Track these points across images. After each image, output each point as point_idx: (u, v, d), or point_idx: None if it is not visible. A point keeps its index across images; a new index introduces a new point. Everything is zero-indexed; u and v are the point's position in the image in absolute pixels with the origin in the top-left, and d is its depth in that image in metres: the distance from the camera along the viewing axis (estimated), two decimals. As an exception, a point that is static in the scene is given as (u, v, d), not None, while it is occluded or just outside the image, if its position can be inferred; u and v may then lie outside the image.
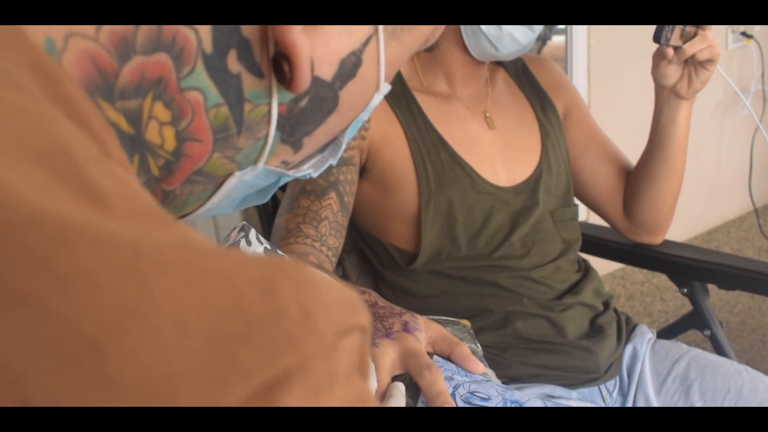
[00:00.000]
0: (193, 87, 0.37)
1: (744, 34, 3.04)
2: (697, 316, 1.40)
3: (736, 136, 3.21)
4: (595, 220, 1.48)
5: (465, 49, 1.20)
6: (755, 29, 3.06)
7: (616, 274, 2.94)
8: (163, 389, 0.20)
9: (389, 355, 0.71)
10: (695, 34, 1.11)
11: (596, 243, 1.47)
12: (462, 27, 1.18)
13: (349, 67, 0.42)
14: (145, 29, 0.35)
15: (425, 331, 0.76)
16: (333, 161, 0.49)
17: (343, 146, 0.49)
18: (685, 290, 1.39)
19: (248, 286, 0.23)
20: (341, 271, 1.33)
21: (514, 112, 1.29)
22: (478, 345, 0.86)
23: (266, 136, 0.41)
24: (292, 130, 0.43)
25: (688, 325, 1.44)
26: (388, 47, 0.44)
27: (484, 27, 1.14)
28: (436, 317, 0.86)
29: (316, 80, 0.40)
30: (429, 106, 1.22)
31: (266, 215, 1.29)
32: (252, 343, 0.22)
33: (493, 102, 1.28)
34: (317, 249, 1.07)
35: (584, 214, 2.39)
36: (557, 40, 3.54)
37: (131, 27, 0.34)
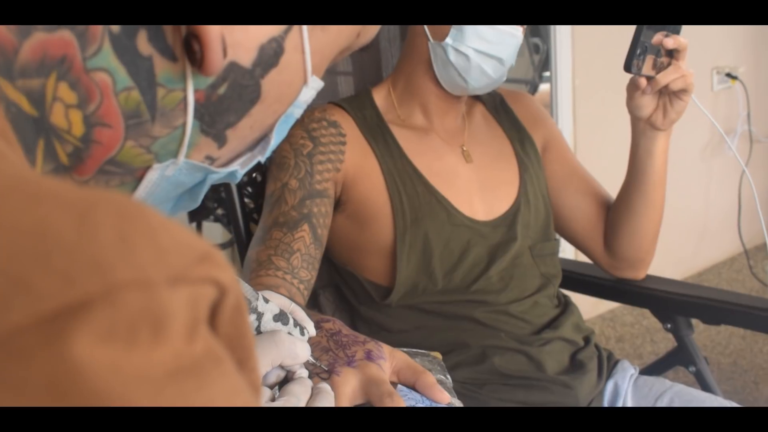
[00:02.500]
0: (100, 68, 0.35)
1: (729, 75, 3.06)
2: (682, 352, 1.38)
3: (725, 177, 3.22)
4: (583, 257, 1.47)
5: (438, 83, 1.20)
6: (740, 70, 3.09)
7: (606, 316, 2.91)
8: None
9: (350, 383, 0.69)
10: (669, 64, 1.11)
11: (579, 279, 1.45)
12: (433, 59, 1.17)
13: (270, 54, 0.40)
14: None
15: (390, 359, 0.74)
16: (262, 158, 0.47)
17: (273, 143, 0.46)
18: (669, 326, 1.37)
19: (60, 210, 0.21)
20: (317, 307, 1.30)
21: (492, 146, 1.28)
22: (449, 377, 0.84)
23: (183, 124, 0.39)
24: (212, 120, 0.40)
25: (673, 362, 1.41)
26: (313, 36, 0.42)
27: (452, 58, 1.14)
28: (406, 349, 0.84)
29: (234, 66, 0.39)
30: (405, 139, 1.21)
31: (240, 247, 1.27)
32: (49, 266, 0.20)
33: (470, 136, 1.27)
34: (288, 282, 1.05)
35: (572, 252, 2.38)
36: (543, 87, 3.58)
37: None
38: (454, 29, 1.14)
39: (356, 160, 1.17)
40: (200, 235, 0.25)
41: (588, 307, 1.34)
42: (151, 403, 0.21)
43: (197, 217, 2.69)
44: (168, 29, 0.36)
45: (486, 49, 1.13)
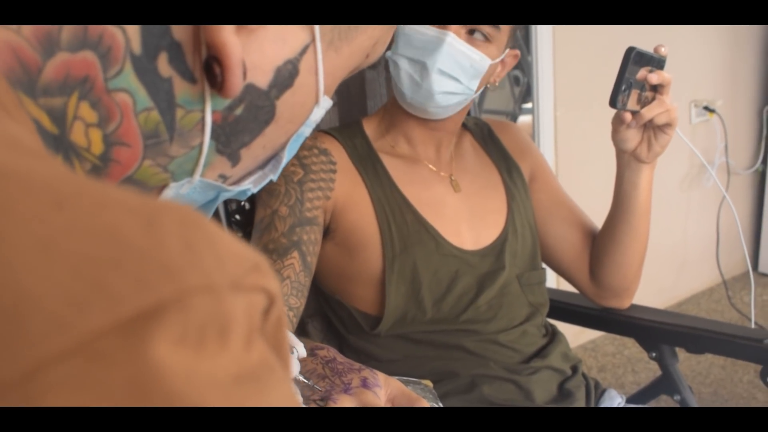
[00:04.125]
0: (121, 88, 0.36)
1: (707, 108, 3.12)
2: (667, 380, 1.39)
3: (703, 208, 3.26)
4: (565, 286, 1.48)
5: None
6: (718, 104, 3.15)
7: (587, 346, 2.92)
8: (11, 303, 0.19)
9: None
10: (653, 99, 1.13)
11: (564, 308, 1.46)
12: (394, 82, 1.18)
13: (286, 76, 0.41)
14: (71, 26, 0.34)
15: (384, 387, 0.75)
16: (273, 177, 0.47)
17: (284, 161, 0.47)
18: (654, 354, 1.38)
19: (127, 216, 0.22)
20: (305, 334, 1.30)
21: (480, 175, 1.30)
22: (441, 405, 0.84)
23: (200, 144, 0.40)
24: (228, 140, 0.41)
25: (658, 391, 1.42)
26: (327, 58, 0.43)
27: (392, 70, 1.15)
28: (397, 377, 0.85)
29: (251, 87, 0.40)
30: (395, 167, 1.22)
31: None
32: (123, 270, 0.20)
33: (458, 165, 1.28)
34: (278, 309, 1.05)
35: (554, 279, 2.39)
36: (527, 118, 3.62)
37: None
38: (393, 40, 1.14)
39: (346, 188, 1.18)
40: (250, 247, 0.26)
41: (570, 336, 1.35)
42: (222, 406, 0.22)
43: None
44: (188, 52, 0.37)
45: (412, 55, 1.12)
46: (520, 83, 3.68)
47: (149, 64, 0.36)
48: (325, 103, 0.45)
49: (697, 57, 3.06)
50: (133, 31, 0.36)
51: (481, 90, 1.20)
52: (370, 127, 1.26)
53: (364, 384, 0.72)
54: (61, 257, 0.20)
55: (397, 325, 1.17)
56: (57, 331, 0.19)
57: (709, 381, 2.62)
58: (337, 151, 1.20)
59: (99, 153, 0.37)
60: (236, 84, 0.37)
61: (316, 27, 0.41)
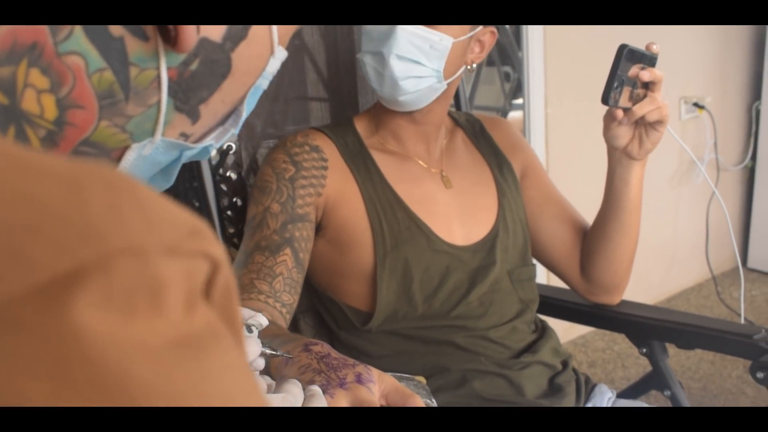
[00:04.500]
0: (72, 51, 0.36)
1: (696, 104, 3.13)
2: (657, 376, 1.40)
3: (692, 205, 3.28)
4: (555, 281, 1.49)
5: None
6: (707, 100, 3.16)
7: (578, 342, 2.93)
8: None
9: (342, 405, 0.70)
10: (644, 96, 1.13)
11: (554, 304, 1.47)
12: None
13: (239, 28, 0.41)
14: None
15: (378, 383, 0.75)
16: (235, 131, 0.47)
17: (244, 115, 0.47)
18: (644, 350, 1.39)
19: (49, 181, 0.22)
20: (297, 331, 1.30)
21: (471, 171, 1.30)
22: (434, 401, 0.85)
23: (158, 103, 0.40)
24: (186, 96, 0.41)
25: (649, 386, 1.43)
26: None
27: (363, 69, 1.15)
28: (391, 374, 0.85)
29: (205, 41, 0.39)
30: (386, 164, 1.22)
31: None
32: (42, 236, 0.20)
33: (449, 161, 1.29)
34: (271, 305, 1.05)
35: (545, 275, 2.40)
36: (517, 113, 3.63)
37: None
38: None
39: (337, 185, 1.18)
40: (190, 212, 0.25)
41: (560, 332, 1.35)
42: (151, 373, 0.21)
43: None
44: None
45: (371, 48, 1.13)
46: (510, 79, 3.69)
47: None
48: (281, 53, 0.45)
49: (686, 54, 3.07)
50: None
51: (460, 74, 1.19)
52: (361, 125, 1.26)
53: (359, 379, 0.73)
54: None
55: (388, 321, 1.17)
56: None
57: (698, 376, 2.64)
58: (328, 148, 1.20)
59: (53, 118, 0.37)
60: (190, 38, 0.37)
61: None
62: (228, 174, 1.30)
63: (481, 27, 1.17)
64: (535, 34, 2.60)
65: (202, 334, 0.23)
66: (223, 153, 1.29)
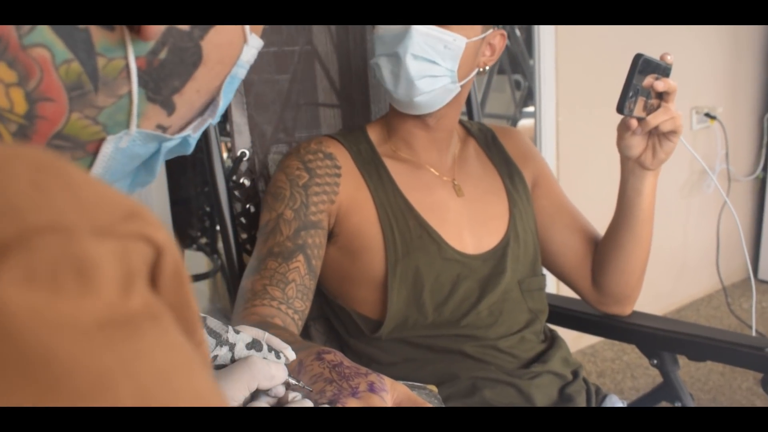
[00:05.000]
0: (37, 43, 0.36)
1: (708, 115, 3.12)
2: (668, 387, 1.39)
3: (703, 215, 3.27)
4: (566, 291, 1.48)
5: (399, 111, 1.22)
6: (718, 110, 3.15)
7: (587, 351, 2.92)
8: None
9: None
10: (658, 106, 1.13)
11: (565, 314, 1.47)
12: (382, 86, 1.19)
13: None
14: None
15: (391, 391, 0.75)
16: (213, 121, 0.47)
17: (222, 105, 0.46)
18: (655, 361, 1.38)
19: None
20: (308, 337, 1.31)
21: (483, 180, 1.30)
22: (445, 410, 0.85)
23: (129, 93, 0.40)
24: (157, 86, 0.41)
25: (659, 397, 1.43)
26: None
27: (377, 73, 1.16)
28: (403, 382, 0.85)
29: (172, 29, 0.39)
30: (398, 172, 1.22)
31: (233, 279, 1.27)
32: None
33: (461, 170, 1.29)
34: (283, 312, 1.05)
35: (555, 285, 2.40)
36: (527, 122, 3.63)
37: None
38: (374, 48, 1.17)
39: (350, 192, 1.18)
40: (128, 196, 0.25)
41: (569, 341, 1.35)
42: (77, 351, 0.21)
43: (179, 246, 2.68)
44: None
45: (386, 51, 1.14)
46: (521, 87, 3.69)
47: None
48: (254, 41, 0.45)
49: (698, 64, 3.07)
50: None
51: (472, 77, 1.20)
52: (373, 133, 1.27)
53: (371, 388, 0.73)
54: None
55: (398, 329, 1.17)
56: None
57: (708, 388, 2.63)
58: (341, 156, 1.21)
59: (23, 112, 0.37)
60: (155, 26, 0.37)
61: None
62: (241, 180, 1.30)
63: (492, 29, 1.18)
64: (546, 42, 2.60)
65: (138, 314, 0.23)
66: (236, 160, 1.30)
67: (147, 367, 0.22)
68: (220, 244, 2.66)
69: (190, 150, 0.47)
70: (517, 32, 3.51)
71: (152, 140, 0.43)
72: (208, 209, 2.72)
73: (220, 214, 1.27)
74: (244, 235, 1.31)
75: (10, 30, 0.35)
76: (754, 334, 1.61)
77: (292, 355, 0.71)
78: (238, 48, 0.44)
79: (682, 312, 3.31)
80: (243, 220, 1.31)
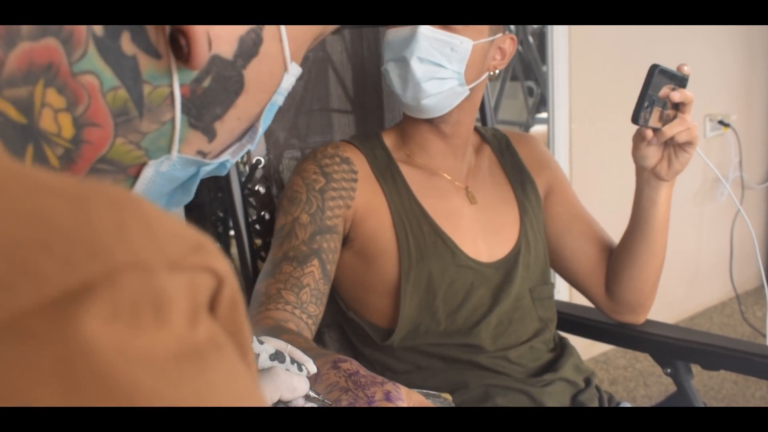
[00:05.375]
0: (86, 71, 0.37)
1: (721, 122, 3.11)
2: (682, 396, 1.39)
3: (716, 223, 3.25)
4: (578, 299, 1.48)
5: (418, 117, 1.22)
6: (732, 118, 3.14)
7: (599, 359, 2.92)
8: None
9: None
10: (674, 117, 1.13)
11: (578, 322, 1.47)
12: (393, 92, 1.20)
13: (250, 45, 0.41)
14: None
15: (407, 401, 0.75)
16: (251, 146, 0.48)
17: (260, 132, 0.47)
18: (669, 370, 1.38)
19: (58, 199, 0.23)
20: (322, 344, 1.31)
21: (494, 188, 1.31)
22: (460, 418, 0.85)
23: (172, 119, 0.41)
24: (199, 113, 0.42)
25: (673, 406, 1.42)
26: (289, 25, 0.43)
27: (387, 79, 1.18)
28: (417, 390, 0.85)
29: (216, 58, 0.40)
30: (413, 178, 1.23)
31: (247, 286, 1.28)
32: (50, 252, 0.21)
33: (475, 177, 1.29)
34: (297, 316, 1.06)
35: (567, 292, 2.39)
36: (538, 128, 3.63)
37: None
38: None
39: (366, 197, 1.19)
40: (193, 227, 0.26)
41: (581, 349, 1.35)
42: (157, 384, 0.22)
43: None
44: (150, 28, 0.38)
45: (393, 56, 1.16)
46: (534, 94, 3.69)
47: (112, 44, 0.37)
48: (294, 69, 0.46)
49: (711, 71, 3.06)
50: None
51: (483, 80, 1.21)
52: (389, 139, 1.28)
53: (387, 397, 0.73)
54: None
55: (410, 336, 1.18)
56: None
57: (721, 396, 2.61)
58: (358, 160, 1.21)
59: (70, 137, 0.38)
60: (202, 55, 0.38)
61: None
62: (256, 188, 1.31)
63: (501, 33, 1.19)
64: (559, 49, 2.60)
65: (205, 345, 0.24)
66: (251, 167, 1.30)
67: (218, 396, 0.24)
68: (234, 249, 2.67)
69: (226, 172, 0.48)
70: (530, 39, 3.52)
71: (191, 165, 0.44)
72: (221, 214, 2.73)
73: (235, 221, 1.28)
74: (258, 242, 1.31)
75: (61, 57, 0.36)
76: (767, 342, 1.61)
77: (313, 368, 0.72)
78: (279, 76, 0.45)
79: (695, 320, 3.29)
80: (258, 227, 1.31)
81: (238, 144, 0.47)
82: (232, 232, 2.59)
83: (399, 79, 1.15)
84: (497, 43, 1.20)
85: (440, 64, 1.13)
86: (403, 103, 1.19)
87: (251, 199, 1.31)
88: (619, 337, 1.41)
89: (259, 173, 1.31)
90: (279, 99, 0.47)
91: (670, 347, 1.35)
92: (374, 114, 1.50)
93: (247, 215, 1.29)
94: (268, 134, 1.33)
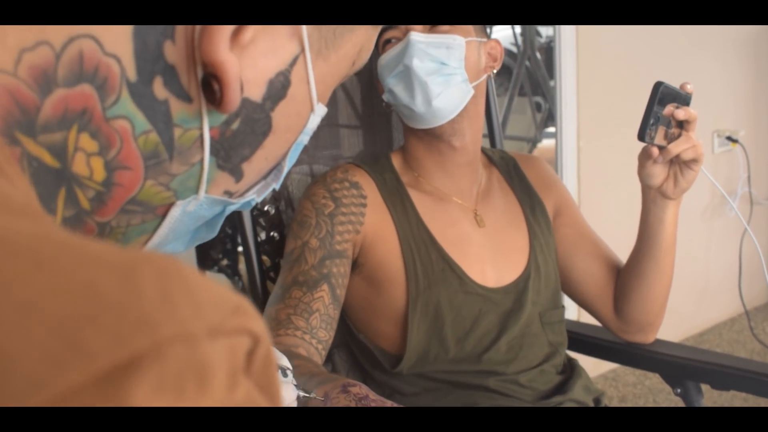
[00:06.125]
0: (119, 116, 0.37)
1: (729, 138, 3.11)
2: (691, 417, 1.38)
3: (725, 238, 3.24)
4: (587, 318, 1.48)
5: (422, 136, 1.23)
6: (740, 134, 3.14)
7: (608, 376, 2.90)
8: None
9: None
10: (679, 135, 1.13)
11: (588, 342, 1.46)
12: (398, 111, 1.21)
13: (279, 88, 0.42)
14: (65, 61, 0.35)
15: (416, 425, 0.75)
16: (276, 185, 0.49)
17: (285, 170, 0.48)
18: (679, 390, 1.37)
19: (105, 270, 0.23)
20: (331, 366, 1.31)
21: (504, 211, 1.30)
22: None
23: (201, 161, 0.41)
24: (227, 154, 0.43)
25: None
26: (316, 67, 0.44)
27: (387, 98, 1.18)
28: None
29: (246, 101, 0.41)
30: (422, 203, 1.23)
31: (256, 304, 1.28)
32: (99, 325, 0.21)
33: (484, 200, 1.29)
34: (307, 341, 1.06)
35: (576, 312, 2.39)
36: (546, 142, 3.63)
37: (51, 60, 0.34)
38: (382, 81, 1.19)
39: (375, 222, 1.19)
40: (232, 289, 0.27)
41: (590, 366, 1.35)
42: None
43: (201, 267, 2.70)
44: (182, 73, 0.39)
45: (394, 72, 1.16)
46: (542, 109, 3.70)
47: (145, 89, 0.38)
48: (320, 110, 0.47)
49: (719, 87, 3.06)
50: (128, 59, 0.37)
51: (483, 80, 1.22)
52: (397, 162, 1.28)
53: (397, 422, 0.73)
54: (40, 317, 0.21)
55: (420, 364, 1.18)
56: (33, 390, 0.20)
57: (731, 413, 2.60)
58: (368, 185, 1.22)
59: (102, 180, 0.38)
60: (235, 99, 0.39)
61: (305, 37, 0.42)
62: (266, 208, 1.31)
63: (485, 39, 1.22)
64: (567, 64, 2.60)
65: (242, 406, 0.25)
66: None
67: None
68: (242, 266, 2.67)
69: (250, 208, 0.49)
70: (538, 54, 3.53)
71: (218, 204, 0.45)
72: (230, 231, 2.73)
73: (244, 241, 1.28)
74: (268, 263, 1.32)
75: (95, 102, 0.36)
76: (778, 362, 1.60)
77: (286, 363, 0.73)
78: (306, 117, 0.46)
79: (704, 336, 3.28)
80: (267, 247, 1.32)
81: (264, 182, 0.48)
82: (240, 248, 2.60)
83: (404, 89, 1.15)
84: (486, 48, 1.22)
85: (441, 61, 1.14)
86: (415, 113, 1.17)
87: (261, 220, 1.32)
88: (628, 356, 1.41)
89: (268, 194, 1.32)
90: (305, 138, 0.48)
91: (680, 367, 1.34)
92: (382, 133, 1.50)
93: (256, 235, 1.30)
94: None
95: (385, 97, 1.19)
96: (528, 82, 3.61)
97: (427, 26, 1.15)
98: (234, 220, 1.31)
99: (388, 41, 1.19)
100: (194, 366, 0.23)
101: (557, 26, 2.59)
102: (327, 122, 1.42)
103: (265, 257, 1.32)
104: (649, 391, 2.78)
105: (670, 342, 1.39)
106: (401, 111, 1.20)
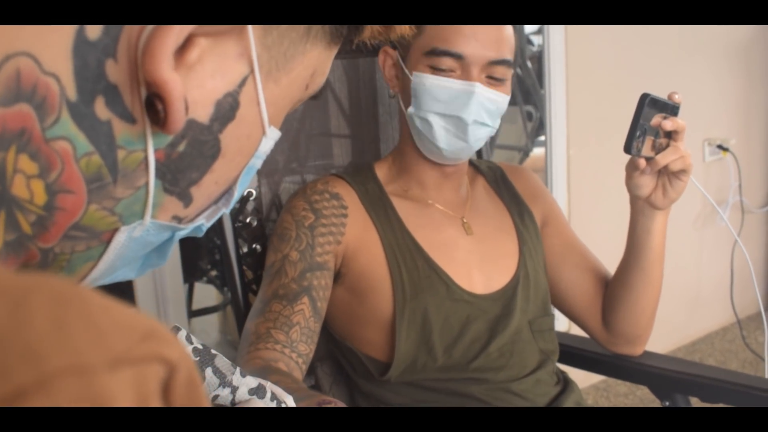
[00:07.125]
0: (59, 136, 0.36)
1: (720, 146, 3.11)
2: (680, 430, 1.37)
3: (717, 247, 3.24)
4: (576, 330, 1.47)
5: (423, 154, 1.22)
6: (731, 142, 3.14)
7: (599, 386, 2.89)
8: None
9: None
10: (667, 145, 1.12)
11: (576, 354, 1.45)
12: (411, 130, 1.20)
13: (227, 109, 0.41)
14: (2, 79, 0.33)
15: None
16: (226, 210, 0.47)
17: (237, 195, 0.47)
18: (667, 403, 1.36)
19: None
20: (314, 380, 1.29)
21: (493, 218, 1.29)
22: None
23: (146, 184, 0.40)
24: (174, 178, 0.41)
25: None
26: (266, 89, 0.43)
27: (419, 125, 1.16)
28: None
29: (192, 123, 0.40)
30: (406, 211, 1.22)
31: (239, 320, 1.27)
32: None
33: (471, 208, 1.28)
34: (287, 355, 1.04)
35: (566, 324, 2.37)
36: (538, 151, 3.62)
37: None
38: (413, 98, 1.16)
39: (357, 232, 1.17)
40: (144, 313, 0.25)
41: (581, 376, 1.34)
42: None
43: (190, 278, 2.68)
44: (125, 93, 0.37)
45: (443, 110, 1.14)
46: (533, 118, 3.69)
47: (86, 109, 0.36)
48: (273, 133, 0.46)
49: (710, 95, 3.06)
50: (68, 78, 0.35)
51: None
52: (381, 171, 1.27)
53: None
54: None
55: (407, 372, 1.16)
56: None
57: (723, 424, 2.58)
58: (348, 196, 1.20)
59: (42, 203, 0.37)
60: (179, 119, 0.37)
61: (254, 58, 0.41)
62: (248, 220, 1.30)
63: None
64: (556, 72, 2.60)
65: None
66: (243, 200, 1.30)
67: None
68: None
69: (202, 234, 0.48)
70: (529, 64, 3.52)
71: (166, 230, 0.44)
72: (218, 242, 2.72)
73: (226, 254, 1.27)
74: (250, 275, 1.30)
75: (34, 122, 0.35)
76: (768, 371, 1.59)
77: (292, 404, 0.71)
78: (257, 140, 0.45)
79: (696, 345, 3.27)
80: (249, 260, 1.30)
81: (214, 207, 0.47)
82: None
83: (446, 134, 1.15)
84: None
85: (487, 124, 1.16)
86: (441, 151, 1.17)
87: (243, 232, 1.30)
88: (616, 368, 1.39)
89: (250, 206, 1.30)
90: (257, 162, 0.47)
91: (669, 380, 1.33)
92: (370, 144, 1.49)
93: (238, 248, 1.28)
94: (261, 165, 1.33)
95: (417, 123, 1.17)
96: (519, 91, 3.60)
97: (485, 72, 1.15)
98: (216, 231, 1.30)
99: (440, 68, 1.14)
100: (89, 398, 0.21)
101: (546, 33, 2.58)
102: (319, 132, 1.41)
103: (247, 270, 1.30)
104: (641, 401, 2.77)
105: (658, 354, 1.38)
106: (423, 141, 1.19)
